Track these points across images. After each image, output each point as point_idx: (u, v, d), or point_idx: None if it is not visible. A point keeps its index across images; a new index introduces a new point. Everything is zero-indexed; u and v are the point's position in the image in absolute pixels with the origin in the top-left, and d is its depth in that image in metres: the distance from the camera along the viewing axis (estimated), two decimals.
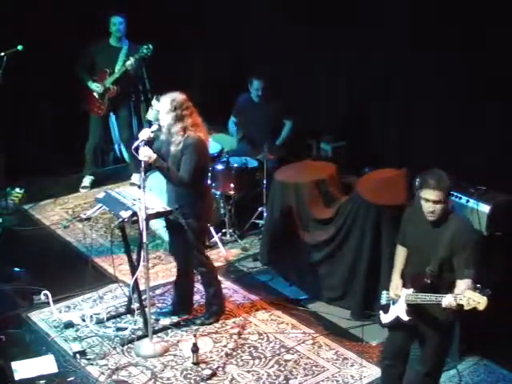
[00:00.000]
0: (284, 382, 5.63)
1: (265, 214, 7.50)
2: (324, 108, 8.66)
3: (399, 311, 4.75)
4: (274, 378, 5.67)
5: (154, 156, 5.66)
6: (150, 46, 8.00)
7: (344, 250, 6.51)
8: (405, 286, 4.75)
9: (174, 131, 5.75)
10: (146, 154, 5.61)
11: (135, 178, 8.61)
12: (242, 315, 6.41)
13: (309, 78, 8.56)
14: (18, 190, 8.40)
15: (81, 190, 8.76)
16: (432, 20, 7.02)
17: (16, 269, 6.82)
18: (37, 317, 6.33)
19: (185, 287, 6.40)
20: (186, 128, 5.75)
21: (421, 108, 7.43)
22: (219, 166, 7.51)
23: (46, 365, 5.68)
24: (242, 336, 6.15)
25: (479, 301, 4.26)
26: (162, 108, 5.77)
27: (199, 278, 6.32)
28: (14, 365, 5.63)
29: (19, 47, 7.56)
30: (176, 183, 5.85)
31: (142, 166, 5.61)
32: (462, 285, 4.47)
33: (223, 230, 7.62)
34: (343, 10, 7.93)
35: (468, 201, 5.97)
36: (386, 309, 4.89)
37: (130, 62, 8.08)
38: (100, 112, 8.47)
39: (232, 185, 7.53)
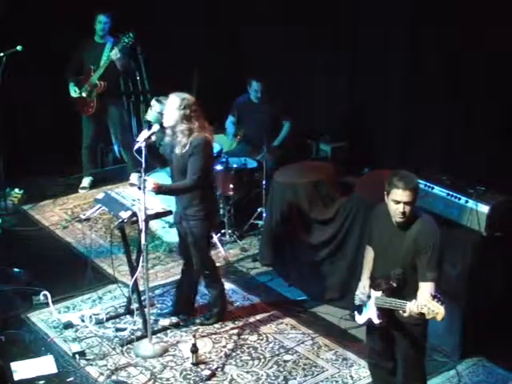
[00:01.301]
0: (283, 382, 5.63)
1: (264, 215, 7.50)
2: (323, 108, 8.66)
3: (371, 314, 4.72)
4: (274, 378, 5.67)
5: (157, 184, 5.63)
6: (131, 34, 7.99)
7: (343, 251, 6.51)
8: (374, 288, 4.72)
9: (179, 130, 5.71)
10: (151, 185, 5.58)
11: (133, 177, 8.58)
12: (242, 316, 6.41)
13: (308, 79, 8.56)
14: (17, 190, 8.40)
15: (80, 190, 8.76)
16: (432, 20, 7.02)
17: (15, 269, 6.81)
18: (36, 317, 6.33)
19: (188, 288, 6.38)
20: (192, 130, 5.72)
21: (421, 108, 7.43)
22: (218, 167, 7.50)
23: (45, 365, 5.68)
24: (242, 337, 6.15)
25: (437, 311, 4.20)
26: (170, 105, 5.72)
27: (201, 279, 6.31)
28: (14, 365, 5.63)
29: (19, 47, 7.57)
30: (184, 193, 5.84)
31: (143, 166, 5.61)
32: (424, 288, 4.43)
33: (222, 231, 7.62)
34: (343, 10, 7.93)
35: (467, 201, 5.96)
36: (359, 310, 4.86)
37: (115, 51, 8.07)
38: (90, 110, 8.43)
39: (231, 185, 7.53)
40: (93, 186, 8.81)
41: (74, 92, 8.33)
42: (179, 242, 6.36)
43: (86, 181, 8.82)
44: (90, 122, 8.60)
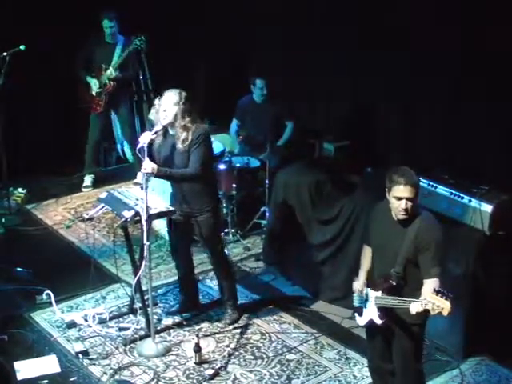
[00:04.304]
0: (286, 381, 5.63)
1: (267, 214, 7.50)
2: (327, 108, 8.65)
3: (372, 315, 4.70)
4: (277, 377, 5.67)
5: (156, 167, 5.61)
6: (143, 38, 8.03)
7: (346, 250, 6.52)
8: (373, 288, 4.71)
9: (181, 124, 5.70)
10: (148, 167, 5.57)
11: (140, 176, 8.61)
12: (245, 315, 6.41)
13: (311, 78, 8.55)
14: (20, 190, 8.41)
15: (83, 189, 8.76)
16: (432, 20, 7.02)
17: (18, 268, 6.82)
18: (39, 317, 6.34)
19: (191, 285, 6.44)
20: (195, 121, 5.72)
21: (423, 108, 7.42)
22: (221, 166, 7.50)
23: (48, 365, 5.68)
24: (245, 336, 6.15)
25: (442, 306, 4.16)
26: (169, 101, 5.69)
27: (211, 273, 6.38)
28: (17, 365, 5.63)
29: (21, 47, 7.55)
30: (183, 181, 5.82)
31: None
32: (429, 284, 4.41)
33: (226, 230, 7.62)
34: (344, 10, 7.92)
35: (470, 200, 5.96)
36: (359, 311, 4.85)
37: (110, 71, 8.20)
38: (98, 108, 8.49)
39: (234, 185, 7.53)
40: (95, 184, 8.82)
41: (95, 86, 8.35)
42: (175, 241, 6.34)
43: (89, 179, 8.83)
44: (98, 121, 8.63)
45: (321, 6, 8.16)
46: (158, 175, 5.69)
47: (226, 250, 7.23)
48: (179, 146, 5.73)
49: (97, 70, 8.38)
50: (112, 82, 8.33)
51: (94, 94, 8.40)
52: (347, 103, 8.40)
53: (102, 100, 8.42)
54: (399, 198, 4.47)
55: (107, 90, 8.36)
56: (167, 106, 5.71)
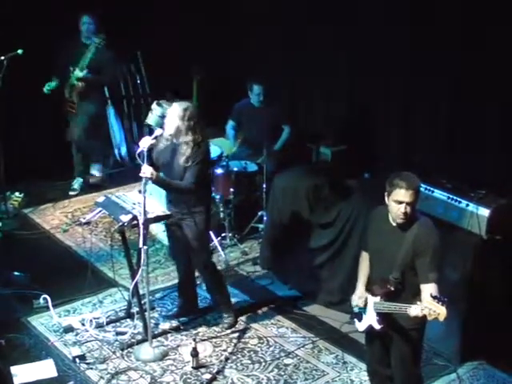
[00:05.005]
0: None
1: (264, 218, 7.50)
2: (324, 112, 8.65)
3: (371, 320, 4.71)
4: (274, 382, 5.67)
5: (155, 173, 5.63)
6: (102, 36, 8.06)
7: (344, 254, 6.51)
8: (371, 293, 4.71)
9: (183, 141, 5.72)
10: (147, 172, 5.57)
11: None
12: (242, 319, 6.41)
13: (309, 80, 8.56)
14: (17, 194, 8.39)
15: (70, 192, 8.70)
16: (432, 20, 7.02)
17: (16, 273, 6.81)
18: (36, 321, 6.32)
19: (190, 289, 6.43)
20: (197, 141, 5.74)
21: (422, 112, 7.42)
22: (219, 170, 7.50)
23: (45, 369, 5.67)
24: (242, 340, 6.14)
25: (439, 312, 4.18)
26: (173, 113, 5.73)
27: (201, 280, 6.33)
28: (14, 369, 5.61)
29: (19, 51, 7.54)
30: (178, 192, 5.86)
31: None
32: (427, 290, 4.42)
33: (223, 234, 7.62)
34: (344, 10, 7.92)
35: (468, 204, 5.96)
36: (359, 317, 4.85)
37: (76, 72, 8.13)
38: (73, 111, 8.42)
39: (232, 189, 7.53)
40: (83, 188, 8.76)
41: (48, 87, 8.26)
42: (171, 244, 6.39)
43: (77, 183, 8.78)
44: (74, 123, 8.56)
45: (321, 6, 8.16)
46: (155, 181, 5.71)
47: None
48: (181, 161, 5.75)
49: (69, 72, 8.31)
50: (80, 83, 8.25)
51: (66, 95, 8.34)
52: (346, 103, 8.41)
53: (74, 102, 8.36)
54: (399, 202, 4.47)
55: (76, 90, 8.30)
56: (170, 118, 5.75)
